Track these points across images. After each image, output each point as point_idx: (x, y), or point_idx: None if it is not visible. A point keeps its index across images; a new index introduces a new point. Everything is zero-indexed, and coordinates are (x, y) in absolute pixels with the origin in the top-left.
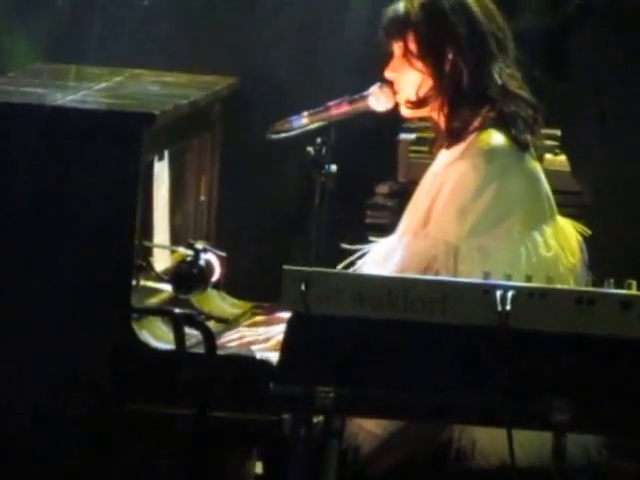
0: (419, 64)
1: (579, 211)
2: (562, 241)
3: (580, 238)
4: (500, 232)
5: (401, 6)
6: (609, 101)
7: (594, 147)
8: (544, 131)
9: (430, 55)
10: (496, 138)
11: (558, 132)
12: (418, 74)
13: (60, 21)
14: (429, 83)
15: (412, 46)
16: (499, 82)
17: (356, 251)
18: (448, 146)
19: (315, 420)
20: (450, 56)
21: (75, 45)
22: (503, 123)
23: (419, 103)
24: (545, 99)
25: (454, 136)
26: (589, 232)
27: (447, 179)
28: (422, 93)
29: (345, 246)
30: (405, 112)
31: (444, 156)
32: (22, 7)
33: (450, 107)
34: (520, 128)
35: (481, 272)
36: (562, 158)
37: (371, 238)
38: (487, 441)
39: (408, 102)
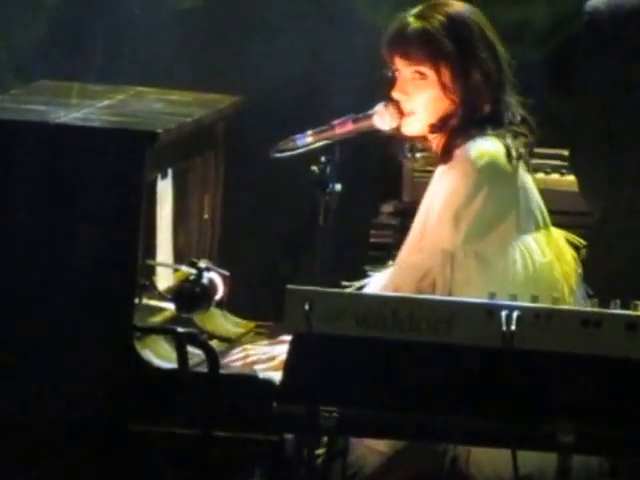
0: (451, 94)
1: (587, 232)
2: (557, 250)
3: (574, 252)
4: (495, 238)
5: (419, 28)
6: (616, 119)
7: (601, 165)
8: (549, 151)
9: (462, 85)
10: (484, 145)
11: (565, 152)
12: (446, 100)
13: (64, 39)
14: (451, 108)
15: (445, 77)
16: (512, 108)
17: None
18: (441, 163)
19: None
20: (476, 84)
21: (79, 63)
22: (496, 132)
23: (441, 127)
24: (552, 120)
25: (448, 154)
26: (583, 242)
27: (439, 190)
28: (445, 118)
29: (345, 283)
30: (410, 132)
31: (438, 173)
32: (27, 25)
33: (458, 131)
34: (513, 141)
35: (478, 280)
36: (569, 178)
37: (369, 272)
38: (482, 451)
39: (431, 127)
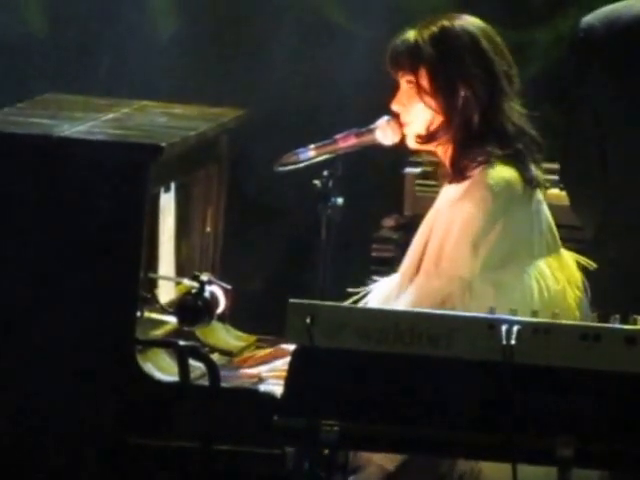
0: (431, 101)
1: (583, 246)
2: (568, 274)
3: (580, 273)
4: (512, 266)
5: (411, 39)
6: (609, 134)
7: (594, 180)
8: (550, 166)
9: (442, 92)
10: (501, 172)
11: None
12: (428, 109)
13: (69, 52)
14: (439, 119)
15: (424, 82)
16: (509, 120)
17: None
18: (452, 181)
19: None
20: (462, 93)
21: (83, 76)
22: (509, 158)
23: (429, 138)
24: (551, 134)
25: (459, 173)
26: (593, 265)
27: (456, 216)
28: (432, 129)
29: (351, 290)
30: (412, 145)
31: (448, 191)
32: (31, 38)
33: (459, 144)
34: (527, 163)
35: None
36: None
37: (374, 277)
38: (492, 469)
39: (418, 137)
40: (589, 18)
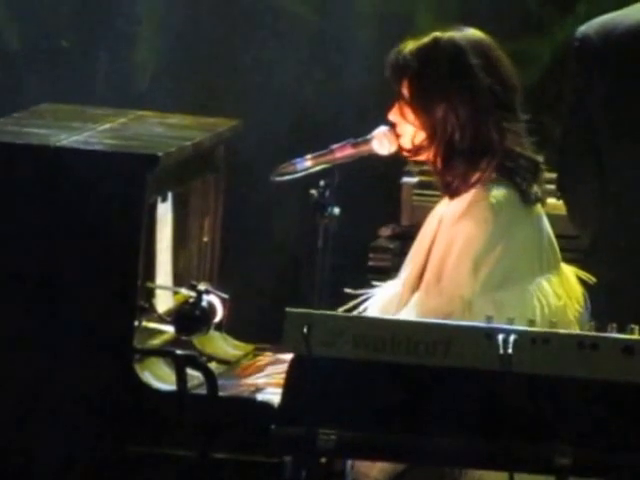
0: (410, 114)
1: (580, 255)
2: (568, 289)
3: (580, 287)
4: (513, 287)
5: (403, 50)
6: (606, 142)
7: (591, 188)
8: (548, 175)
9: (420, 106)
10: (502, 191)
11: None
12: (410, 122)
13: (65, 62)
14: (422, 133)
15: (405, 93)
16: (495, 138)
17: (359, 295)
18: (449, 197)
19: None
20: (441, 109)
21: (80, 86)
22: (507, 176)
23: (413, 152)
24: (547, 143)
25: (450, 189)
26: (593, 279)
27: (456, 235)
28: (416, 142)
29: (348, 291)
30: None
31: (450, 204)
32: (29, 46)
33: (443, 160)
34: (524, 181)
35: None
36: None
37: (374, 283)
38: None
39: (403, 149)
40: (584, 28)
